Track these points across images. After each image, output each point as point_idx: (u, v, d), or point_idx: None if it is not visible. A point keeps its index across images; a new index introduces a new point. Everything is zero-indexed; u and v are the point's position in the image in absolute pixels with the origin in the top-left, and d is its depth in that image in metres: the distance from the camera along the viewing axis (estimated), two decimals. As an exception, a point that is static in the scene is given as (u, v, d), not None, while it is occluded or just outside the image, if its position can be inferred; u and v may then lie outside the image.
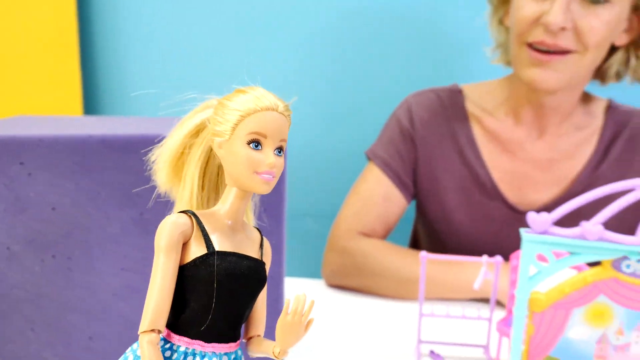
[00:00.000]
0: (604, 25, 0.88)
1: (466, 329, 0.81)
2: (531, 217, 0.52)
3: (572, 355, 0.56)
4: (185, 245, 0.40)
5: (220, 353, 0.41)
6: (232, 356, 0.42)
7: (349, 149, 1.26)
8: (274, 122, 0.40)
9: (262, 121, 0.40)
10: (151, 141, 0.60)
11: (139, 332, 0.39)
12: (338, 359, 0.74)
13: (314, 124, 1.28)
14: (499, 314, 0.85)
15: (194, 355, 0.40)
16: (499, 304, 0.90)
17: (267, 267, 0.44)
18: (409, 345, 0.79)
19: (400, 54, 1.28)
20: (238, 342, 0.43)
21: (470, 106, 1.04)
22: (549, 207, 0.99)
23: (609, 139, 1.01)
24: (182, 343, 0.41)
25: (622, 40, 0.95)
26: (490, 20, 1.03)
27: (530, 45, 0.91)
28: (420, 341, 0.75)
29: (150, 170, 0.46)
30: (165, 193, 0.46)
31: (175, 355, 0.40)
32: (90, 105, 1.35)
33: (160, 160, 0.44)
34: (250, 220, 0.46)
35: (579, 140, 1.01)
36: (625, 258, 0.52)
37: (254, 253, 0.42)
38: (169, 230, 0.39)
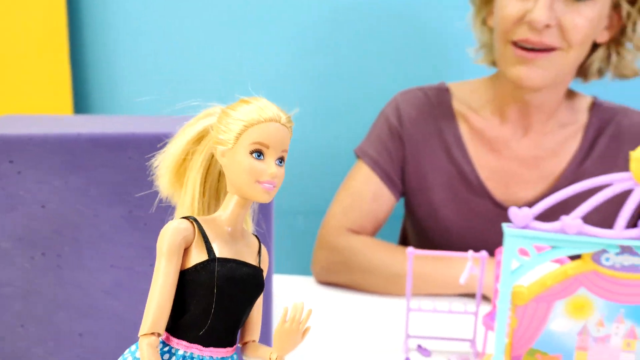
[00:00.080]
0: (587, 22, 0.89)
1: (453, 323, 0.82)
2: (513, 211, 0.53)
3: (554, 347, 0.57)
4: (186, 250, 0.41)
5: (217, 357, 0.42)
6: None
7: (338, 146, 1.27)
8: (276, 133, 0.41)
9: (265, 132, 0.41)
10: (140, 139, 0.60)
11: (139, 335, 0.40)
12: (327, 354, 0.75)
13: (304, 122, 1.28)
14: (485, 308, 0.86)
15: (192, 358, 0.41)
16: (485, 298, 0.91)
17: (264, 274, 0.45)
18: (397, 339, 0.80)
19: (389, 52, 1.29)
20: (235, 346, 0.44)
21: (457, 104, 1.06)
22: (534, 204, 1.00)
23: (593, 136, 1.02)
24: (180, 346, 0.41)
25: (603, 37, 0.97)
26: (473, 21, 1.04)
27: (515, 44, 0.92)
28: (408, 336, 0.76)
29: (147, 170, 0.46)
30: (161, 197, 0.47)
31: (173, 359, 0.41)
32: (81, 104, 1.36)
33: (163, 166, 0.45)
34: (249, 226, 0.47)
35: (563, 138, 1.03)
36: (604, 251, 0.53)
37: (252, 260, 0.43)
38: (171, 236, 0.40)
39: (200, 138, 0.44)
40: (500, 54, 0.96)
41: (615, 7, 0.94)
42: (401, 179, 1.06)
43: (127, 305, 0.63)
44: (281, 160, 0.42)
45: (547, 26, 0.89)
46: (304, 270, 1.04)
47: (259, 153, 0.41)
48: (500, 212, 1.02)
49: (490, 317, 0.70)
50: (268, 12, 1.29)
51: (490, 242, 1.01)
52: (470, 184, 1.03)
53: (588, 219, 0.58)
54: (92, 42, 1.33)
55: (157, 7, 1.31)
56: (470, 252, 0.72)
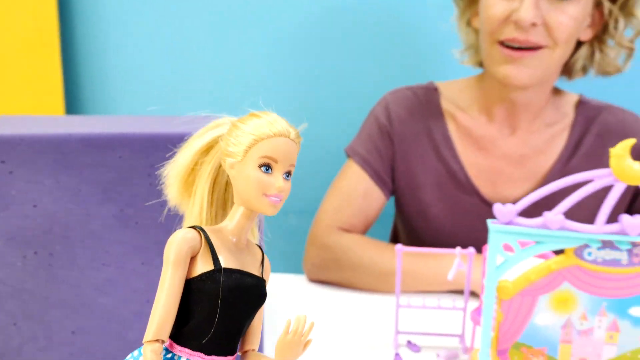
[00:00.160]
0: (572, 21, 0.91)
1: (442, 319, 0.84)
2: (497, 208, 0.54)
3: (539, 340, 0.58)
4: (192, 259, 0.42)
5: None
6: None
7: (328, 145, 1.28)
8: (285, 147, 0.42)
9: (274, 146, 0.42)
10: (130, 139, 0.61)
11: (143, 341, 0.40)
12: (319, 351, 0.76)
13: (294, 121, 1.29)
14: (474, 304, 0.87)
15: None
16: (474, 294, 0.92)
17: (267, 284, 0.46)
18: (387, 335, 0.81)
19: (379, 52, 1.30)
20: (235, 355, 0.44)
21: (445, 103, 1.07)
22: (522, 202, 1.02)
23: (579, 134, 1.03)
24: (183, 354, 0.42)
25: (586, 35, 0.98)
26: (458, 23, 1.05)
27: (502, 43, 0.94)
28: (397, 332, 0.77)
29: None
30: (170, 206, 0.47)
31: None
32: (72, 104, 1.36)
33: (171, 175, 0.46)
34: (256, 237, 0.48)
35: (550, 136, 1.04)
36: (586, 246, 0.54)
37: (255, 270, 0.44)
38: (178, 245, 0.41)
39: (209, 148, 0.45)
40: (487, 54, 0.97)
41: (598, 5, 0.96)
42: (391, 178, 1.07)
43: (119, 302, 0.64)
44: (288, 174, 0.43)
45: (534, 25, 0.90)
46: (295, 269, 1.05)
47: (267, 167, 0.42)
48: (488, 210, 1.03)
49: (478, 312, 0.71)
50: (257, 12, 1.29)
51: (479, 240, 1.02)
52: (459, 183, 1.04)
53: (575, 215, 0.59)
54: (84, 43, 1.34)
55: (148, 7, 1.31)
56: (458, 249, 0.73)
